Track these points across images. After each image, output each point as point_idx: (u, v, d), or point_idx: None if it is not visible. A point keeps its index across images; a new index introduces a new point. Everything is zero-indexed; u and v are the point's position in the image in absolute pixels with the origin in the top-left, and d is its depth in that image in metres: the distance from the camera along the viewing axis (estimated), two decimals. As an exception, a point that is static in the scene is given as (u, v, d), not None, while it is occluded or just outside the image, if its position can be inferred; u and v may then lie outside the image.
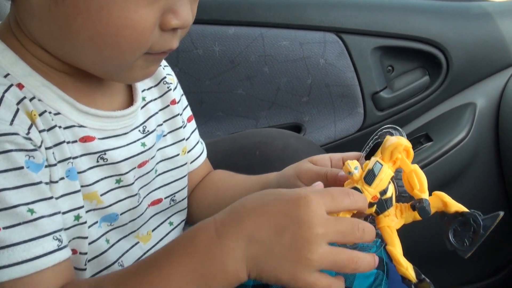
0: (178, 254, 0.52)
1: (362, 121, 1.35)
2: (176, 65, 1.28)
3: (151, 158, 0.71)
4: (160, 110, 0.75)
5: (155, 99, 0.75)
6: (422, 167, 1.23)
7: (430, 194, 0.59)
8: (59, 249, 0.54)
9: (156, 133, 0.73)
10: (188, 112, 0.84)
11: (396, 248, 0.58)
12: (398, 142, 0.58)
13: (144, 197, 0.71)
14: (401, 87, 1.34)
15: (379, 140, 0.65)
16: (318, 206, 0.51)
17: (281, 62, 1.29)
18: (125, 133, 0.66)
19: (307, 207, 0.50)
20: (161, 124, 0.74)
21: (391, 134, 0.64)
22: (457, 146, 1.28)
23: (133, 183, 0.67)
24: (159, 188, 0.75)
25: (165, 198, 0.76)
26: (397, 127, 0.66)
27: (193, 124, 0.84)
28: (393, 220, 0.59)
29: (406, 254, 0.58)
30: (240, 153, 1.09)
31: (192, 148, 0.83)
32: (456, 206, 0.58)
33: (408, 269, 0.57)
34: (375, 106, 1.33)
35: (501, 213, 0.56)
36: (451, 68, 1.31)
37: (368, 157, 0.63)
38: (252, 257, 0.50)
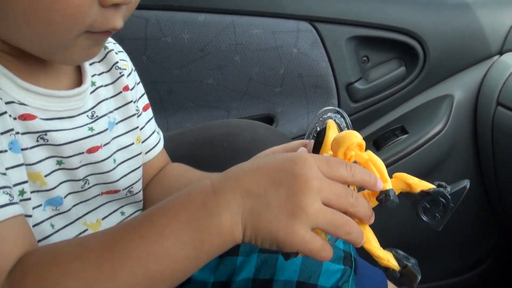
0: (173, 209, 0.51)
1: (335, 112, 1.31)
2: (144, 53, 1.23)
3: (105, 144, 0.67)
4: (112, 97, 0.72)
5: (107, 85, 0.71)
6: (397, 160, 1.23)
7: (390, 177, 0.57)
8: (11, 203, 0.51)
9: (108, 120, 0.69)
10: (145, 100, 0.80)
11: (372, 243, 0.55)
12: (350, 141, 0.55)
13: (95, 184, 0.68)
14: (376, 78, 1.30)
15: (321, 128, 0.62)
16: (313, 164, 0.51)
17: (253, 51, 1.24)
18: (72, 116, 0.63)
19: (303, 163, 0.51)
20: (112, 111, 0.71)
21: (333, 119, 0.61)
22: (434, 138, 1.25)
23: (77, 168, 0.64)
24: (120, 179, 0.72)
25: (123, 189, 0.73)
26: (339, 110, 0.62)
27: (149, 113, 0.81)
28: None
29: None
30: (207, 144, 1.05)
31: (147, 138, 0.79)
32: (420, 185, 0.56)
33: (389, 260, 0.55)
34: (349, 97, 1.30)
35: (467, 183, 0.55)
36: (428, 59, 1.28)
37: (315, 149, 0.59)
38: (248, 210, 0.49)
